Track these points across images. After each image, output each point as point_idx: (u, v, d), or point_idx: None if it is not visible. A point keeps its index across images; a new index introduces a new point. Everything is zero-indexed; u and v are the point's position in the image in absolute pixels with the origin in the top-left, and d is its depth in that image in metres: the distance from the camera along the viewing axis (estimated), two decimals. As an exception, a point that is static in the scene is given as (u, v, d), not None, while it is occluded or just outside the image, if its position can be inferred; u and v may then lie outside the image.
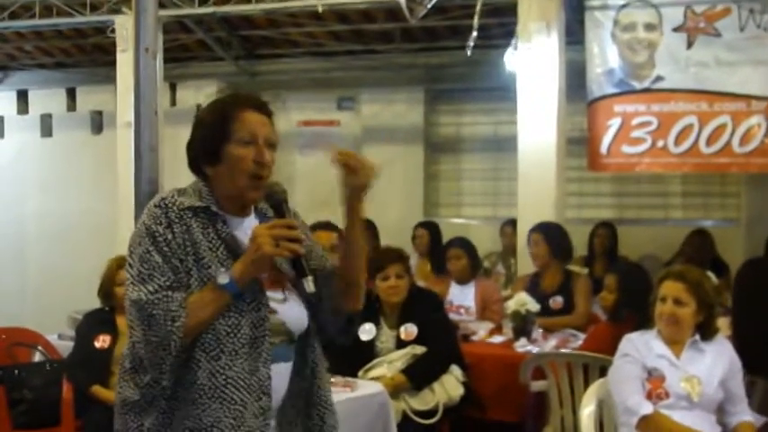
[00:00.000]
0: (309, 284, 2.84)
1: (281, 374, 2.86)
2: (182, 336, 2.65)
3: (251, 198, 2.88)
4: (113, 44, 9.23)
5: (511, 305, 6.57)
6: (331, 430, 3.03)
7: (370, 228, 8.99)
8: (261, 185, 2.86)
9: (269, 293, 2.83)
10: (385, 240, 8.94)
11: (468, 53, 8.51)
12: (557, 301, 7.06)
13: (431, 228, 9.38)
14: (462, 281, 7.53)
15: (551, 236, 7.25)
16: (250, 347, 2.75)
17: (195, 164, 2.90)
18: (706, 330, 4.61)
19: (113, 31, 9.10)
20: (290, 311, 2.88)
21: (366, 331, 5.76)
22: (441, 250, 8.29)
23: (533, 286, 7.08)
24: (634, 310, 5.24)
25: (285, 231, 2.77)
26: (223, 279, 2.70)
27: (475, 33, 8.37)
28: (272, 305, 2.83)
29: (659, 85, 7.82)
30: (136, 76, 3.14)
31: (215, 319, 2.72)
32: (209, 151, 2.84)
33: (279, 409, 2.88)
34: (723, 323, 5.58)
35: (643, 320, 4.75)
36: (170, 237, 2.72)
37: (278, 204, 2.90)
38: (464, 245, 7.63)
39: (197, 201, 2.80)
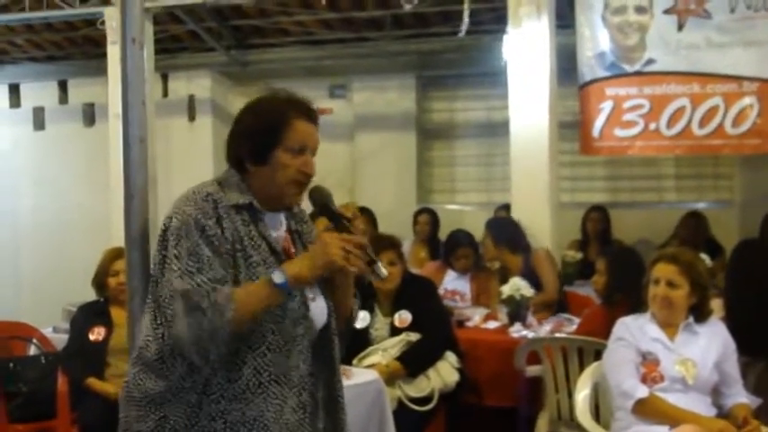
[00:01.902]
0: (382, 270, 2.86)
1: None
2: (232, 328, 2.65)
3: (291, 202, 2.93)
4: (104, 36, 9.19)
5: (505, 290, 6.58)
6: (345, 423, 3.08)
7: (368, 215, 9.00)
8: (302, 193, 2.91)
9: (304, 291, 2.88)
10: (379, 227, 8.96)
11: (461, 35, 8.51)
12: None
13: (432, 214, 9.41)
14: (466, 272, 7.56)
15: (494, 229, 7.35)
16: (292, 345, 2.80)
17: (236, 157, 2.90)
18: (700, 312, 4.63)
19: (103, 22, 9.06)
20: (317, 308, 2.93)
21: (360, 319, 5.73)
22: (438, 237, 8.28)
23: (503, 278, 7.09)
24: (625, 292, 5.25)
25: (355, 249, 2.78)
26: (279, 278, 2.70)
27: (467, 19, 8.36)
28: (307, 303, 2.88)
29: (651, 67, 7.79)
30: (123, 67, 3.12)
31: (262, 316, 2.73)
32: (257, 152, 2.85)
33: None
34: (717, 305, 5.59)
35: (636, 303, 4.75)
36: (219, 232, 2.72)
37: (325, 207, 2.93)
38: (472, 243, 7.66)
39: (240, 197, 2.82)
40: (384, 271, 2.85)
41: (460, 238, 7.70)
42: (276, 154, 2.83)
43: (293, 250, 2.96)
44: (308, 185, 2.92)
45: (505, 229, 7.40)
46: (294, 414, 2.81)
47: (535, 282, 6.91)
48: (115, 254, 5.94)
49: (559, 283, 7.18)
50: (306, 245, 3.01)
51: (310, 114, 2.93)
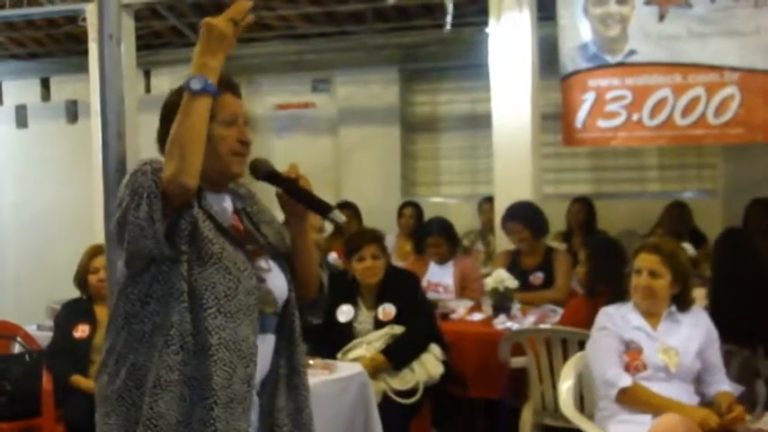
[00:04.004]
0: (339, 215, 2.90)
1: (266, 345, 2.93)
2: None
3: (235, 174, 2.94)
4: (86, 33, 9.16)
5: (489, 282, 6.59)
6: (307, 400, 3.08)
7: (353, 210, 8.99)
8: (244, 161, 2.93)
9: (256, 263, 2.90)
10: (363, 221, 8.95)
11: (447, 28, 8.52)
12: (537, 277, 7.12)
13: (417, 208, 9.41)
14: (441, 260, 7.55)
15: (527, 218, 7.27)
16: (243, 314, 2.80)
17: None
18: (682, 301, 4.65)
19: (85, 19, 9.04)
20: (275, 280, 2.95)
21: (344, 313, 5.77)
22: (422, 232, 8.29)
23: (514, 263, 7.11)
24: (606, 281, 5.26)
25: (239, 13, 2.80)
26: (196, 83, 2.72)
27: (450, 13, 8.38)
28: (260, 274, 2.90)
29: (633, 58, 7.79)
30: (100, 64, 3.12)
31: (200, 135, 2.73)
32: None
33: (262, 380, 2.95)
34: (700, 294, 5.62)
35: (618, 293, 4.77)
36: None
37: (269, 175, 2.95)
38: (442, 231, 7.62)
39: None
40: (342, 216, 2.90)
41: (431, 227, 7.72)
42: (212, 129, 2.83)
43: (241, 227, 2.98)
44: (247, 157, 2.94)
45: (538, 217, 7.38)
46: (242, 385, 2.80)
47: (548, 276, 7.07)
48: (94, 251, 5.94)
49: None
50: (257, 224, 3.03)
51: (233, 88, 2.96)
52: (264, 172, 2.95)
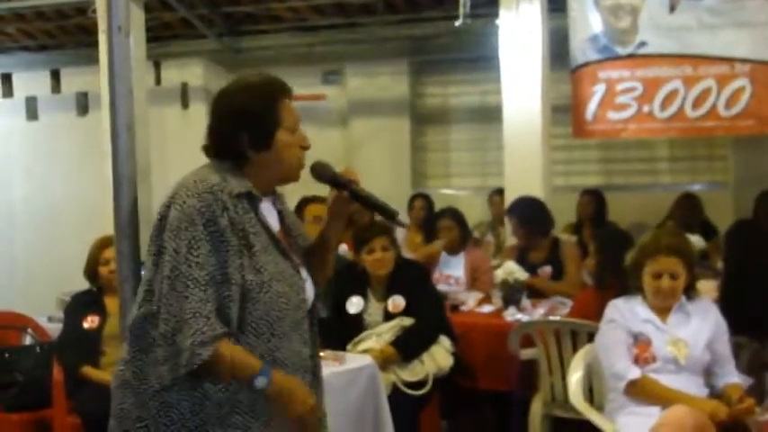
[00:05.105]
0: (402, 219, 3.02)
1: None
2: (197, 368, 2.66)
3: (297, 178, 2.97)
4: (96, 24, 9.16)
5: (499, 274, 6.58)
6: (322, 394, 3.15)
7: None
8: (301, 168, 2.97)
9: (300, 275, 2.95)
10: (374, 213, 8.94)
11: (462, 20, 8.53)
12: (545, 271, 7.09)
13: (427, 200, 9.41)
14: (452, 251, 7.54)
15: (525, 216, 7.25)
16: (293, 330, 2.85)
17: (232, 148, 2.88)
18: (691, 291, 4.66)
19: (95, 11, 9.03)
20: (309, 288, 2.99)
21: (354, 304, 5.77)
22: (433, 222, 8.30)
23: (521, 258, 7.08)
24: (616, 274, 5.24)
25: None
26: (261, 383, 2.72)
27: (464, 5, 8.38)
28: (302, 285, 2.94)
29: (643, 50, 7.78)
30: (109, 56, 3.11)
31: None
32: (259, 139, 2.86)
33: None
34: (711, 286, 5.61)
35: (627, 285, 4.75)
36: (225, 223, 2.72)
37: (333, 178, 3.00)
38: (455, 216, 7.63)
39: (239, 185, 2.82)
40: (405, 221, 2.97)
41: (443, 212, 7.74)
42: (278, 136, 2.86)
43: (284, 234, 2.99)
44: None
45: (538, 214, 7.34)
46: None
47: (556, 269, 7.03)
48: (103, 243, 5.95)
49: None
50: (289, 226, 3.05)
51: (291, 93, 2.98)
52: (328, 176, 2.98)
